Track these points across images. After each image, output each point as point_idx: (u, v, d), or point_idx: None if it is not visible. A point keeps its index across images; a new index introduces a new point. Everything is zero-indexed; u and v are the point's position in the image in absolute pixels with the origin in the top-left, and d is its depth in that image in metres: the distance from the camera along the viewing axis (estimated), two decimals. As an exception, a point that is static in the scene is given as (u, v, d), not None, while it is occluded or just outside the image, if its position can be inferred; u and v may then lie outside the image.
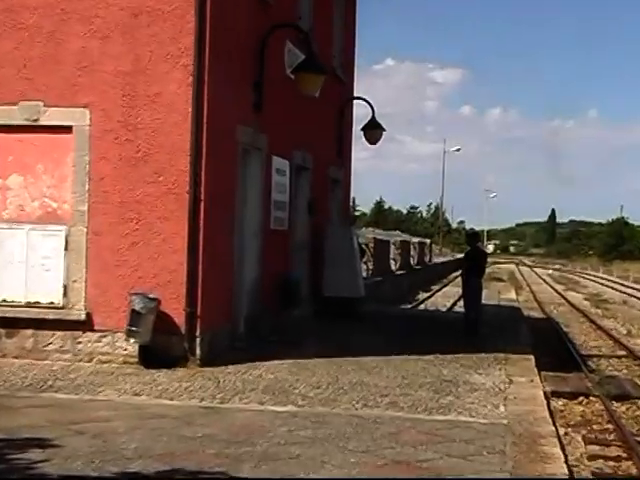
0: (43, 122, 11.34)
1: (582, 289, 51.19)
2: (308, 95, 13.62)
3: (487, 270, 19.22)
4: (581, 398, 13.53)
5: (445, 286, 43.30)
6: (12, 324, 11.28)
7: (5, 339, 11.33)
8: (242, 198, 12.90)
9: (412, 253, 42.80)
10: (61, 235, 11.32)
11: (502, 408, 9.26)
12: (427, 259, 51.80)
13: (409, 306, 28.39)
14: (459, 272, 32.16)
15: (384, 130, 19.33)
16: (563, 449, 8.07)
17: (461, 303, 21.62)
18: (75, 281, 11.28)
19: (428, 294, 36.55)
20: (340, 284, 17.42)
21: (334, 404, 9.20)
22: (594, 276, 69.28)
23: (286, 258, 15.52)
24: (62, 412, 8.38)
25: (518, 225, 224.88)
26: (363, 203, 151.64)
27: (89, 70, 11.24)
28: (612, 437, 11.15)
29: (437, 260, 59.27)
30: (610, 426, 11.75)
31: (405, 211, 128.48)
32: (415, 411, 9.01)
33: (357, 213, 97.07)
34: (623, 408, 13.19)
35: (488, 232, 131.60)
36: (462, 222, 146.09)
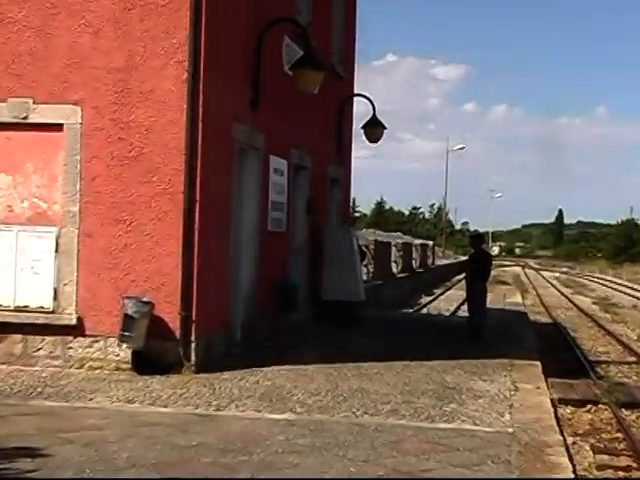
0: (32, 120, 11.34)
1: (590, 293, 51.16)
2: (307, 92, 13.64)
3: (492, 273, 19.19)
4: (589, 406, 13.54)
5: (448, 290, 43.29)
6: (0, 329, 11.27)
7: (-7, 344, 11.32)
8: (239, 199, 12.91)
9: (414, 255, 42.81)
10: (51, 237, 11.32)
11: (507, 416, 9.27)
12: (430, 262, 51.79)
13: (411, 310, 28.41)
14: (463, 275, 32.23)
15: (385, 128, 19.34)
16: (571, 459, 8.07)
17: (465, 307, 21.64)
18: (66, 284, 11.28)
19: (431, 298, 36.56)
20: (340, 288, 17.42)
21: (333, 412, 9.21)
22: (603, 279, 69.22)
23: (284, 261, 15.52)
24: (52, 420, 8.38)
25: (524, 226, 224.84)
26: (363, 204, 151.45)
27: (80, 66, 11.24)
28: (622, 446, 11.16)
29: (440, 263, 59.26)
30: (620, 435, 11.76)
31: (407, 212, 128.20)
32: (417, 419, 9.02)
33: (357, 214, 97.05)
34: (633, 416, 13.19)
35: (493, 234, 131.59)
36: (466, 223, 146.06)
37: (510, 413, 9.42)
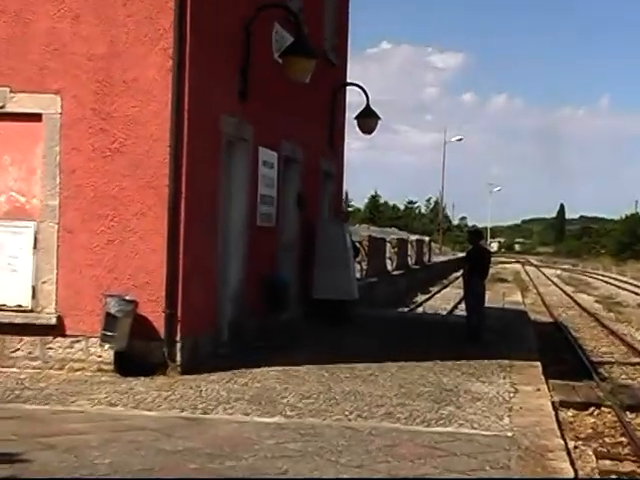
0: (9, 109, 11.30)
1: (593, 291, 51.31)
2: (297, 81, 13.62)
3: (491, 270, 19.24)
4: (592, 409, 13.59)
5: (445, 288, 43.37)
6: (-24, 329, 11.26)
7: (-31, 345, 11.30)
8: (226, 193, 12.90)
9: (410, 252, 42.83)
10: (29, 232, 11.29)
11: (507, 419, 9.30)
12: (426, 258, 51.85)
13: (406, 309, 28.43)
14: (460, 273, 32.25)
15: (379, 119, 19.36)
16: (573, 464, 8.10)
17: (462, 306, 21.68)
18: (45, 282, 11.26)
19: (427, 296, 36.60)
20: (332, 285, 17.43)
21: (325, 415, 9.22)
22: (606, 277, 69.44)
23: (273, 257, 15.52)
24: (31, 424, 8.37)
25: (524, 222, 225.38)
26: (357, 198, 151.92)
27: (60, 53, 11.21)
28: (626, 451, 11.21)
29: (437, 259, 59.34)
30: (623, 439, 11.81)
31: (402, 207, 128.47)
32: (413, 422, 9.04)
33: (350, 208, 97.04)
34: (638, 420, 13.26)
35: (492, 229, 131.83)
36: (464, 218, 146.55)
37: (509, 416, 9.45)
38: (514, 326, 19.50)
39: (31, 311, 11.26)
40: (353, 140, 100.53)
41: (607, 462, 10.59)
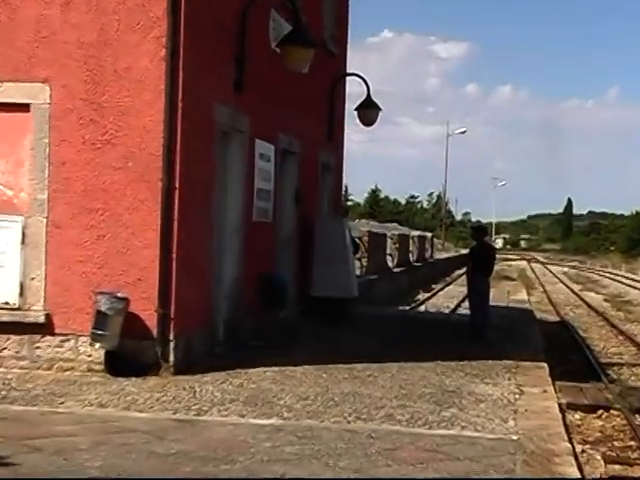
0: (-4, 99, 11.31)
1: (602, 289, 51.36)
2: (295, 71, 13.61)
3: (495, 268, 19.24)
4: (600, 411, 13.58)
5: (448, 285, 43.42)
6: (-38, 327, 11.26)
7: (-46, 344, 11.30)
8: (221, 186, 12.90)
9: (411, 248, 42.88)
10: (17, 227, 11.28)
11: (512, 422, 9.30)
12: (428, 255, 51.90)
13: (408, 307, 28.46)
14: (464, 270, 32.27)
15: (380, 110, 19.35)
16: (580, 469, 8.12)
17: (466, 304, 21.71)
18: (33, 279, 11.26)
19: (429, 294, 36.65)
20: (331, 283, 17.43)
21: (323, 417, 9.22)
22: (615, 274, 69.45)
23: (271, 253, 15.52)
24: (18, 426, 8.37)
25: (530, 217, 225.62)
26: (357, 192, 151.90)
27: (48, 41, 11.20)
28: (635, 455, 11.21)
29: (439, 256, 59.41)
30: (633, 443, 11.81)
31: (403, 201, 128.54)
32: (414, 425, 9.04)
33: (350, 203, 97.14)
34: (647, 423, 13.25)
35: (496, 225, 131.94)
36: (467, 214, 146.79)
37: (515, 419, 9.45)
38: (519, 325, 19.51)
39: (18, 309, 11.25)
40: (353, 132, 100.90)
41: (616, 467, 10.58)
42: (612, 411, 13.60)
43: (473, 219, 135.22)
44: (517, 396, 10.76)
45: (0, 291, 11.28)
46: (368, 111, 19.26)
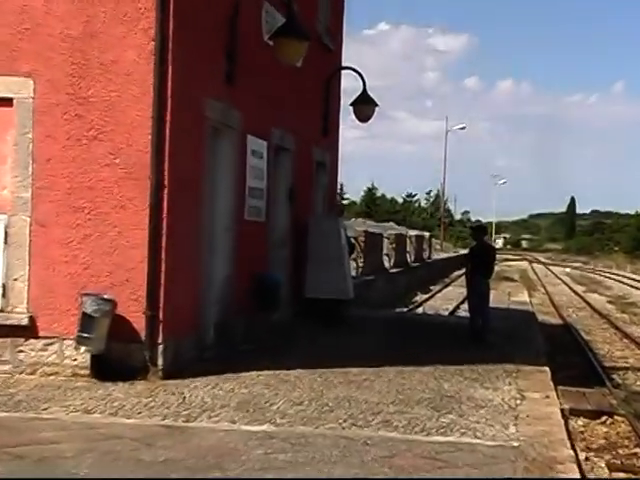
0: (-22, 93, 11.28)
1: (606, 290, 51.45)
2: (289, 64, 13.61)
3: (496, 268, 19.25)
4: (604, 417, 13.60)
5: (447, 286, 43.46)
6: (-58, 330, 11.23)
7: None
8: (212, 184, 12.88)
9: (409, 248, 42.93)
10: (0, 226, 11.26)
11: (513, 428, 9.30)
12: (426, 255, 51.97)
13: (405, 309, 28.50)
14: (463, 271, 32.28)
15: (377, 105, 19.34)
16: (584, 477, 8.11)
17: (465, 306, 21.70)
18: (16, 280, 11.23)
19: (427, 296, 36.69)
20: (326, 284, 17.43)
21: (318, 423, 9.21)
22: (620, 275, 69.60)
23: (263, 254, 15.51)
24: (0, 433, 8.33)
25: (531, 216, 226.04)
26: (352, 190, 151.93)
27: (32, 33, 11.17)
28: (640, 462, 11.22)
29: (437, 256, 59.47)
30: (638, 450, 11.82)
31: (401, 200, 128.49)
32: (411, 431, 9.03)
33: (345, 202, 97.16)
34: (653, 429, 13.26)
35: (497, 224, 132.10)
36: (467, 213, 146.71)
37: (516, 425, 9.45)
38: (520, 328, 19.53)
39: (1, 311, 11.22)
40: (349, 128, 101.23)
41: (621, 475, 10.60)
42: (616, 417, 13.62)
43: (473, 218, 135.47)
44: (518, 401, 10.76)
45: (-18, 293, 11.26)
46: (364, 106, 19.25)
